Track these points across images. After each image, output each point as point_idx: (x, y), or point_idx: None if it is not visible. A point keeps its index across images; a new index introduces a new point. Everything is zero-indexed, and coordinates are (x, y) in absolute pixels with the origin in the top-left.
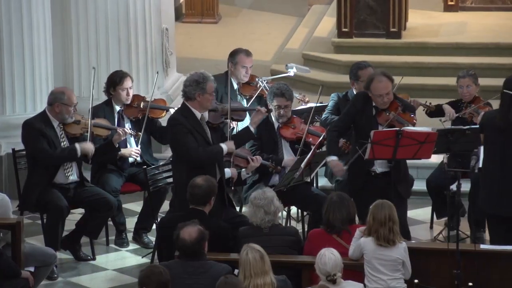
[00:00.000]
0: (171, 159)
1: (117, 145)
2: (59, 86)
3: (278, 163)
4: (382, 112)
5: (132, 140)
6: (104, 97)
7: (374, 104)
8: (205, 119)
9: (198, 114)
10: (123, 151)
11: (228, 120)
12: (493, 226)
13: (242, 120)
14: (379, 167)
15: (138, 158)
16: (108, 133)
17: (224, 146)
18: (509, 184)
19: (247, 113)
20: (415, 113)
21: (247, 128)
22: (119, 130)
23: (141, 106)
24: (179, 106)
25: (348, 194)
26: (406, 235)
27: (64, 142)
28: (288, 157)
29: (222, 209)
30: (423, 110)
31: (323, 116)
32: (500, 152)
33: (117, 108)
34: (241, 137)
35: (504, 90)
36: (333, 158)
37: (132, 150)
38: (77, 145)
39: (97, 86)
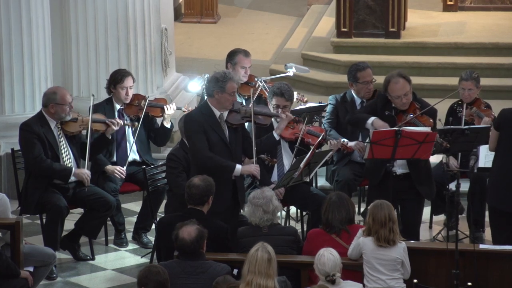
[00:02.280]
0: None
1: (110, 137)
2: (51, 86)
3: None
4: (401, 113)
5: (130, 131)
6: (104, 96)
7: (393, 105)
8: (224, 118)
9: (217, 113)
10: (107, 167)
11: (252, 123)
12: (501, 225)
13: (266, 125)
14: (398, 168)
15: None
16: (106, 127)
17: (239, 166)
18: None
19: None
20: (435, 116)
21: (270, 135)
22: (109, 122)
23: (141, 104)
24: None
25: (368, 191)
26: (415, 236)
27: (62, 142)
28: (287, 157)
29: (236, 210)
30: None
31: (324, 125)
32: None
33: (118, 106)
34: (265, 144)
35: None
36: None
37: (116, 168)
38: (73, 170)
39: (95, 86)
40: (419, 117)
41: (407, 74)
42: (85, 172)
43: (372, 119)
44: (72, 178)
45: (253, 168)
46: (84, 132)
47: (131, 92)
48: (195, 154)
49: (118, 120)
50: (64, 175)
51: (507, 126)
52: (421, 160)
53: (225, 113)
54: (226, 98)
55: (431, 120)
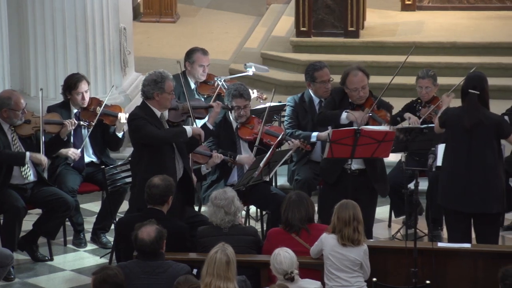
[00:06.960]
0: (129, 158)
1: (65, 138)
2: (6, 89)
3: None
4: (358, 108)
5: (86, 131)
6: (61, 97)
7: (350, 100)
8: (165, 118)
9: (157, 113)
10: (62, 151)
11: (191, 118)
12: (452, 224)
13: (203, 118)
14: (354, 163)
15: (77, 157)
16: (60, 129)
17: (188, 128)
18: (473, 181)
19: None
20: (391, 111)
21: (204, 125)
22: (66, 122)
23: (97, 110)
24: (138, 104)
25: (319, 190)
26: (369, 234)
27: (17, 144)
28: (245, 154)
29: (184, 207)
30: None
31: (287, 131)
32: (466, 150)
33: (75, 110)
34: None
35: (470, 90)
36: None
37: (70, 150)
38: (27, 153)
39: (53, 85)
40: (376, 111)
41: (366, 68)
42: (43, 157)
43: (345, 114)
44: (32, 178)
45: (197, 129)
46: (39, 133)
47: (87, 96)
48: (154, 139)
49: (74, 120)
50: (20, 157)
51: (452, 125)
52: (378, 158)
53: (166, 112)
54: (166, 98)
55: (388, 115)
